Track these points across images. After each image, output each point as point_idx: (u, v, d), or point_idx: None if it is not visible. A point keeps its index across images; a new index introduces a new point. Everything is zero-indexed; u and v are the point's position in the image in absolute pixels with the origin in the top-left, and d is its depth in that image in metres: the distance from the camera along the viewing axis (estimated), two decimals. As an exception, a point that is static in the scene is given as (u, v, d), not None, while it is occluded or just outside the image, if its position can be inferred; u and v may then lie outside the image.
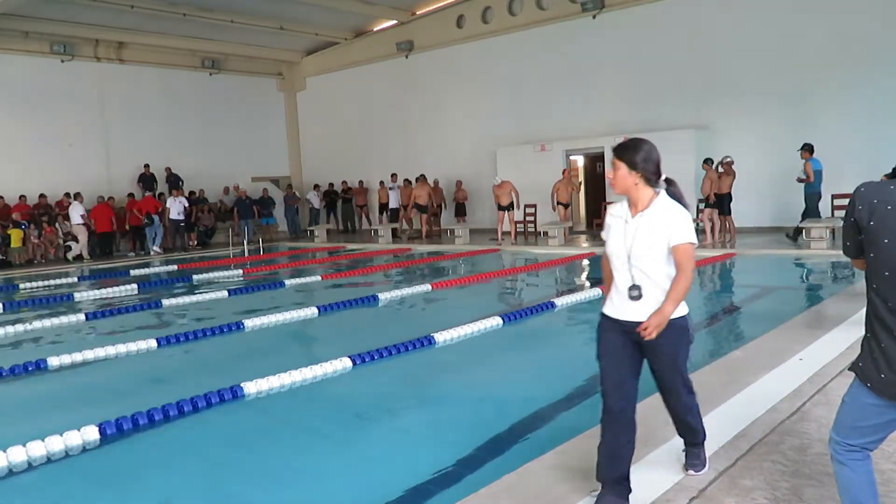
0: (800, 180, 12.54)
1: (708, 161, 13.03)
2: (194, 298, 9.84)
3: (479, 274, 11.54)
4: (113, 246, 18.06)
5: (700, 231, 13.54)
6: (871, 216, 2.11)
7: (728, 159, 12.99)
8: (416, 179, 18.44)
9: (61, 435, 4.26)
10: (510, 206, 15.73)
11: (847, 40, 13.72)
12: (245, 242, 17.43)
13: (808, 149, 12.25)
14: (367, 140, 22.30)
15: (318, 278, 11.62)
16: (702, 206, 13.53)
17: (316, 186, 22.22)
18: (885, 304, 2.11)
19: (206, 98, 21.91)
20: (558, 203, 15.82)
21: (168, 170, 20.09)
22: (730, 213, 13.06)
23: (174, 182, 19.61)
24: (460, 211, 19.17)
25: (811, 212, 12.45)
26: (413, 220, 18.98)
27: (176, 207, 18.09)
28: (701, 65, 15.52)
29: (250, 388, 5.15)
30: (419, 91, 20.82)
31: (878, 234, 2.10)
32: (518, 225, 16.91)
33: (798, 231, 12.43)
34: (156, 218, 17.95)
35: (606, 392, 2.83)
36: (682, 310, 2.85)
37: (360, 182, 21.75)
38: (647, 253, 2.76)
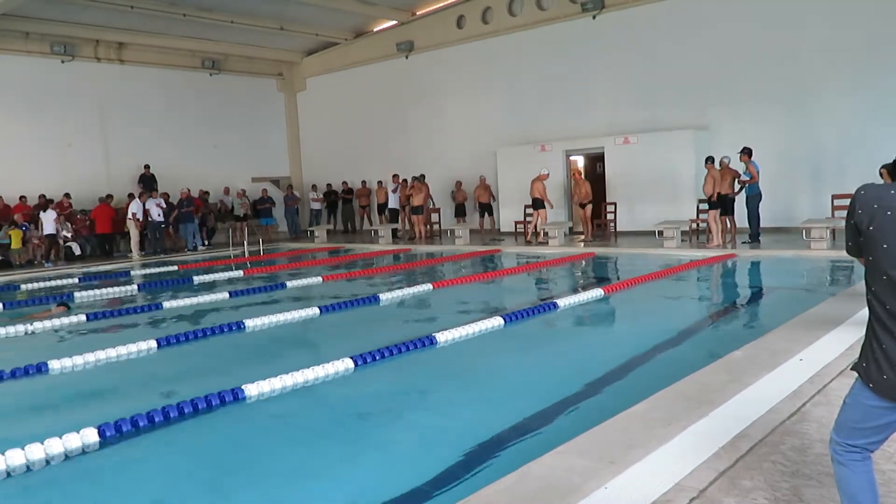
0: (743, 182, 12.67)
1: (709, 160, 12.95)
2: (195, 299, 9.84)
3: (480, 274, 11.54)
4: (113, 247, 18.06)
5: (704, 231, 13.54)
6: (871, 221, 2.11)
7: (724, 159, 13.00)
8: (413, 179, 18.43)
9: (60, 437, 4.26)
10: (543, 204, 15.40)
11: (847, 41, 13.72)
12: (192, 248, 17.94)
13: (747, 152, 12.58)
14: (367, 140, 22.31)
15: (319, 279, 11.62)
16: (703, 206, 13.54)
17: (314, 187, 22.25)
18: (884, 307, 2.12)
19: (206, 98, 21.92)
20: (578, 204, 15.56)
21: (146, 168, 19.72)
22: (732, 214, 13.03)
23: (149, 183, 19.24)
24: (460, 211, 19.17)
25: (753, 213, 12.65)
26: (410, 222, 18.94)
27: (154, 210, 17.69)
28: (701, 65, 15.51)
29: (251, 389, 5.15)
30: (419, 91, 20.82)
31: (878, 238, 2.10)
32: (518, 225, 16.92)
33: (756, 236, 12.69)
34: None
35: None
36: None
37: (363, 182, 21.78)
38: None
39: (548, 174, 15.59)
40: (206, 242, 19.50)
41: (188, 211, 18.44)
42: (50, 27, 18.00)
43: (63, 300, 9.75)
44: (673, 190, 15.33)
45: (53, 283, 12.70)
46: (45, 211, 16.61)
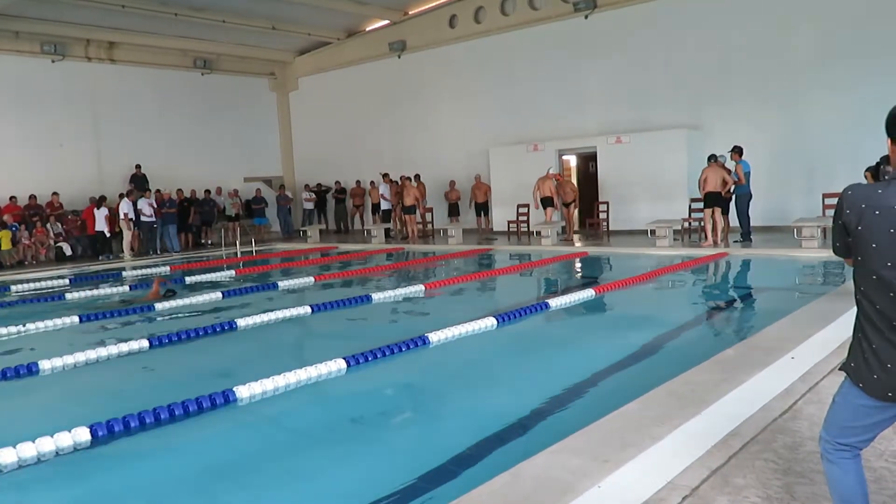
0: (732, 182, 12.67)
1: (712, 158, 12.88)
2: (187, 300, 9.79)
3: (472, 274, 11.54)
4: (105, 247, 17.92)
5: (696, 231, 13.56)
6: (859, 221, 2.12)
7: (720, 158, 13.02)
8: (401, 179, 18.40)
9: (52, 436, 4.23)
10: (553, 203, 15.26)
11: (838, 40, 13.79)
12: (172, 251, 17.60)
13: (738, 151, 12.49)
14: (359, 140, 22.29)
15: (311, 279, 11.59)
16: (696, 205, 13.57)
17: (306, 187, 22.22)
18: (874, 307, 2.12)
19: (197, 98, 21.84)
20: (565, 204, 15.65)
21: (138, 167, 19.59)
22: (727, 213, 13.06)
23: (140, 183, 19.08)
24: (453, 211, 19.16)
25: (743, 213, 12.65)
26: (401, 221, 18.92)
27: (147, 209, 17.57)
28: (693, 65, 15.57)
29: (243, 391, 5.11)
30: (412, 91, 20.81)
31: (866, 238, 2.10)
32: (511, 224, 16.93)
33: (747, 235, 12.70)
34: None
35: None
36: None
37: (358, 182, 21.77)
38: None
39: (555, 173, 15.64)
40: (202, 241, 19.41)
41: (170, 212, 18.26)
42: (40, 26, 17.89)
43: (169, 286, 10.52)
44: (665, 189, 15.37)
45: (45, 283, 12.63)
46: (98, 208, 16.77)
